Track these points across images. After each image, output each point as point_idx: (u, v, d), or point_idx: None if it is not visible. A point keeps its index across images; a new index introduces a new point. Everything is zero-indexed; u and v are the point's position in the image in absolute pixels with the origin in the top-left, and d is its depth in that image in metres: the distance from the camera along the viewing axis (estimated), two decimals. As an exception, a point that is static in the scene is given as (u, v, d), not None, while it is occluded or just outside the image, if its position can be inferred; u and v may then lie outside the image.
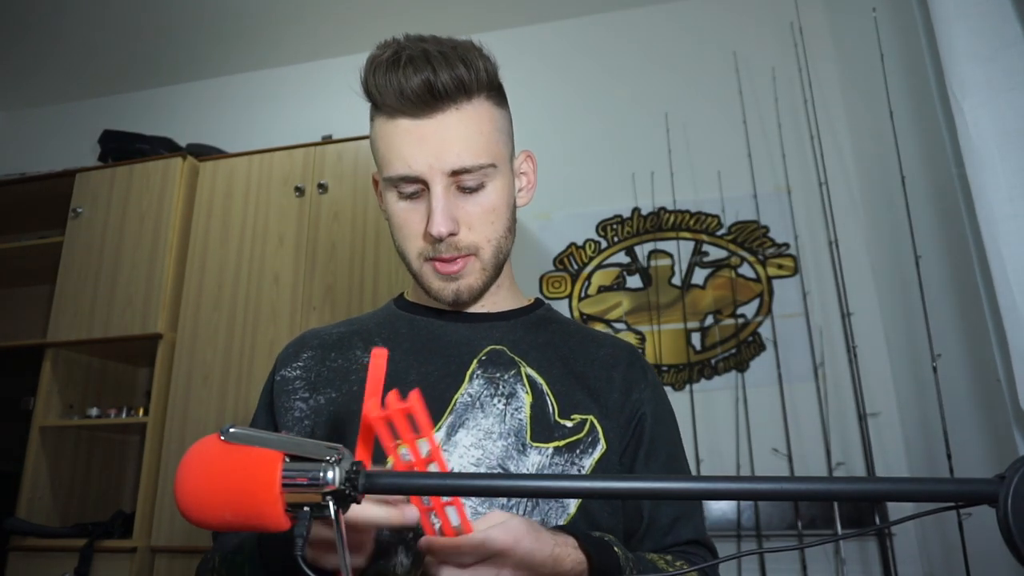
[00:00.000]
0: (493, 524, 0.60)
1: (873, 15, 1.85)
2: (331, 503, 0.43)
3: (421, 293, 0.89)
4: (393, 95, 0.75)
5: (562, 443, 0.77)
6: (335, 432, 0.78)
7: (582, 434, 0.79)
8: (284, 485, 0.43)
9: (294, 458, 0.44)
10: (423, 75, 0.74)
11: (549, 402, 0.80)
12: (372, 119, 0.81)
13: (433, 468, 0.56)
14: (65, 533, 2.07)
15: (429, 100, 0.75)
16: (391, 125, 0.78)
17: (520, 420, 0.78)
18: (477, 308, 0.88)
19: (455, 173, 0.77)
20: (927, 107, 1.57)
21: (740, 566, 1.97)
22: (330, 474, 0.43)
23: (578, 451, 0.78)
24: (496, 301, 0.89)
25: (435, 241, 0.78)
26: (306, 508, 0.44)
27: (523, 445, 0.76)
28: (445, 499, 0.59)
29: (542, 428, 0.78)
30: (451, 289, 0.81)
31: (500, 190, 0.81)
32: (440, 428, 0.77)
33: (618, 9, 2.64)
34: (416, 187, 0.78)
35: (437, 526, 0.60)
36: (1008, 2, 1.26)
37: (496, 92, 0.82)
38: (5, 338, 2.46)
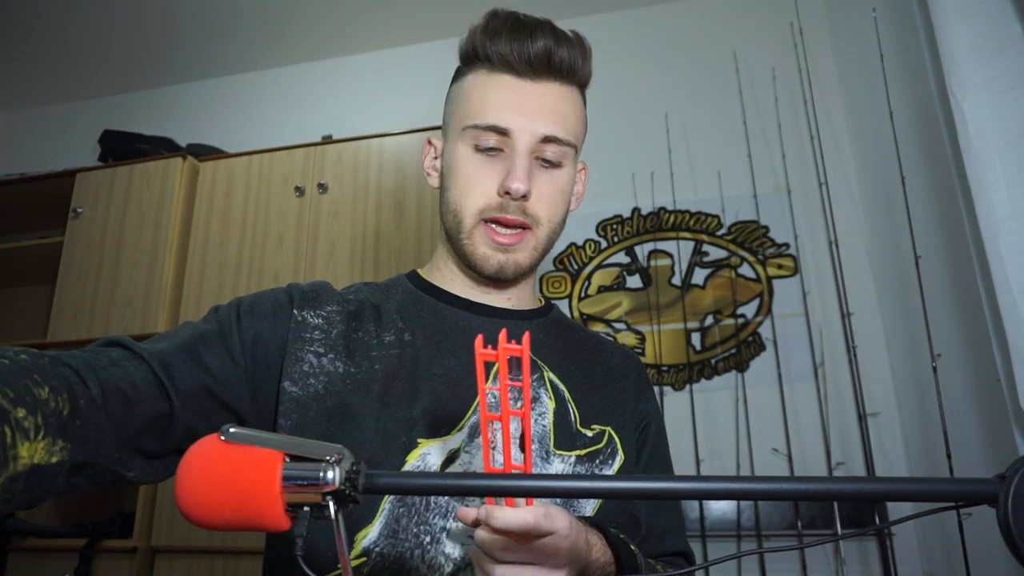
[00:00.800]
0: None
1: (873, 15, 1.85)
2: (331, 503, 0.43)
3: (440, 273, 0.86)
4: (509, 49, 0.76)
5: (583, 452, 0.77)
6: (347, 409, 0.73)
7: (601, 444, 0.78)
8: (284, 485, 0.43)
9: (294, 458, 0.44)
10: (546, 41, 0.76)
11: (571, 410, 0.79)
12: (461, 75, 0.82)
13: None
14: (65, 533, 2.07)
15: (542, 67, 0.77)
16: (491, 78, 0.78)
17: (544, 426, 0.76)
18: (502, 302, 0.85)
19: (545, 140, 0.77)
20: (927, 107, 1.57)
21: (740, 566, 1.97)
22: (330, 474, 0.43)
23: (598, 461, 0.77)
24: (521, 297, 0.87)
25: (505, 198, 0.76)
26: (306, 508, 0.44)
27: (547, 452, 0.75)
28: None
29: (565, 436, 0.77)
30: (498, 260, 0.78)
31: (570, 176, 0.82)
32: (463, 427, 0.74)
33: (618, 9, 2.64)
34: (497, 141, 0.77)
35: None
36: (1008, 2, 1.26)
37: (584, 95, 0.85)
38: (5, 338, 2.46)
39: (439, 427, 0.74)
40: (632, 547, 0.68)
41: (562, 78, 0.79)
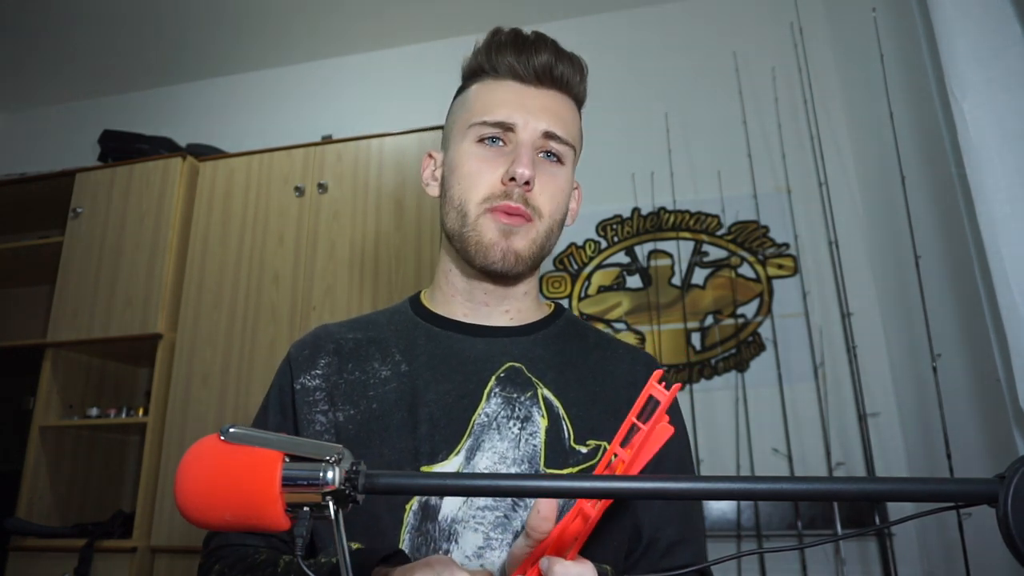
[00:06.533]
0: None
1: (873, 15, 1.85)
2: (331, 503, 0.43)
3: (440, 299, 0.88)
4: (514, 60, 0.83)
5: (575, 470, 0.77)
6: (353, 452, 0.76)
7: (595, 460, 0.78)
8: (284, 485, 0.43)
9: (294, 458, 0.44)
10: (548, 56, 0.83)
11: (565, 427, 0.79)
12: (465, 88, 0.87)
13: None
14: (65, 533, 2.07)
15: (544, 76, 0.83)
16: (496, 83, 0.84)
17: (535, 446, 0.77)
18: (499, 320, 0.87)
19: (546, 135, 0.82)
20: (927, 107, 1.57)
21: (740, 566, 1.97)
22: (330, 474, 0.43)
23: None
24: (521, 309, 0.88)
25: (510, 185, 0.79)
26: (306, 508, 0.44)
27: (536, 471, 0.76)
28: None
29: (556, 454, 0.77)
30: (503, 246, 0.79)
31: (569, 178, 0.86)
32: (460, 451, 0.76)
33: (618, 9, 2.64)
34: (502, 135, 0.82)
35: None
36: (1008, 2, 1.26)
37: (580, 112, 0.90)
38: (5, 338, 2.46)
39: (437, 453, 0.76)
40: None
41: (562, 89, 0.85)
